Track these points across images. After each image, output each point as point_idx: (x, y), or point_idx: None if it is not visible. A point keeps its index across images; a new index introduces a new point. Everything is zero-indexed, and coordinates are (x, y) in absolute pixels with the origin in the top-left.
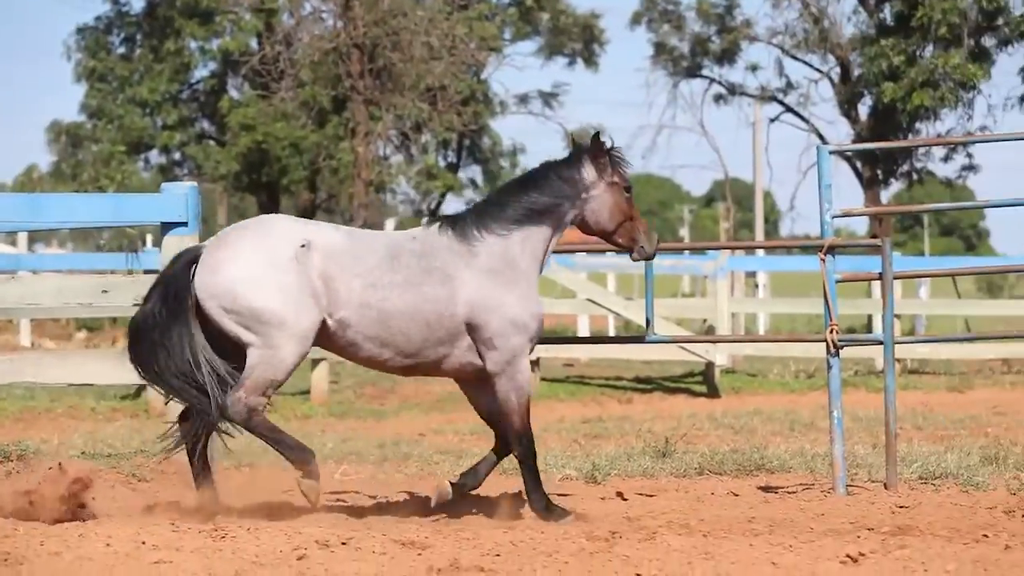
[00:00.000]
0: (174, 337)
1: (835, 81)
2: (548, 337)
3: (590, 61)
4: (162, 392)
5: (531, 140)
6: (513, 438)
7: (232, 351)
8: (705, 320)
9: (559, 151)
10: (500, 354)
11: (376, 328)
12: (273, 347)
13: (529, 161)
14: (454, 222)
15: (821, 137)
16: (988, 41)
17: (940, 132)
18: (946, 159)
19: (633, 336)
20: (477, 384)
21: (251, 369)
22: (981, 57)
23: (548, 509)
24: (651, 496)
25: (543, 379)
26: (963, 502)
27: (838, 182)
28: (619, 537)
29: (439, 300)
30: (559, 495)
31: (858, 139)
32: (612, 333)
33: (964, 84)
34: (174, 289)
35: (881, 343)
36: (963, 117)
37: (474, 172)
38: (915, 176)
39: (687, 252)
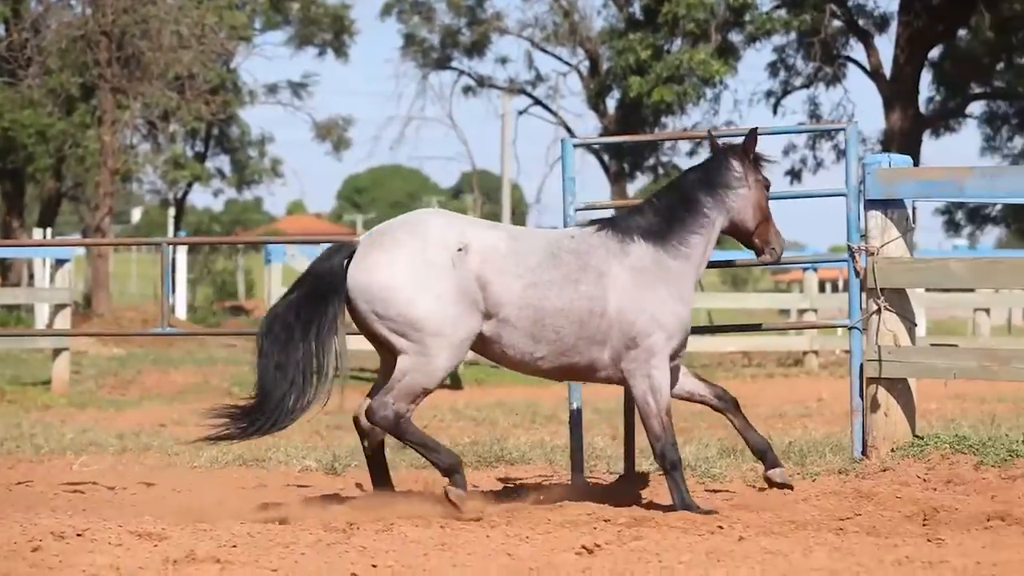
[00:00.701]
0: (313, 329)
1: (584, 75)
2: None
3: (340, 52)
4: (269, 386)
5: (280, 130)
6: (653, 444)
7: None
8: None
9: (307, 141)
10: (639, 352)
11: (532, 326)
12: (428, 355)
13: (277, 151)
14: (612, 223)
15: (569, 130)
16: (735, 37)
17: (687, 126)
18: (692, 153)
19: None
20: None
21: (402, 375)
22: (728, 53)
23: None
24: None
25: None
26: (700, 495)
27: (586, 175)
28: (356, 528)
29: (592, 297)
30: (298, 486)
31: (606, 132)
32: None
33: (708, 80)
34: (328, 281)
35: None
36: (709, 112)
37: (222, 162)
38: (661, 170)
39: None
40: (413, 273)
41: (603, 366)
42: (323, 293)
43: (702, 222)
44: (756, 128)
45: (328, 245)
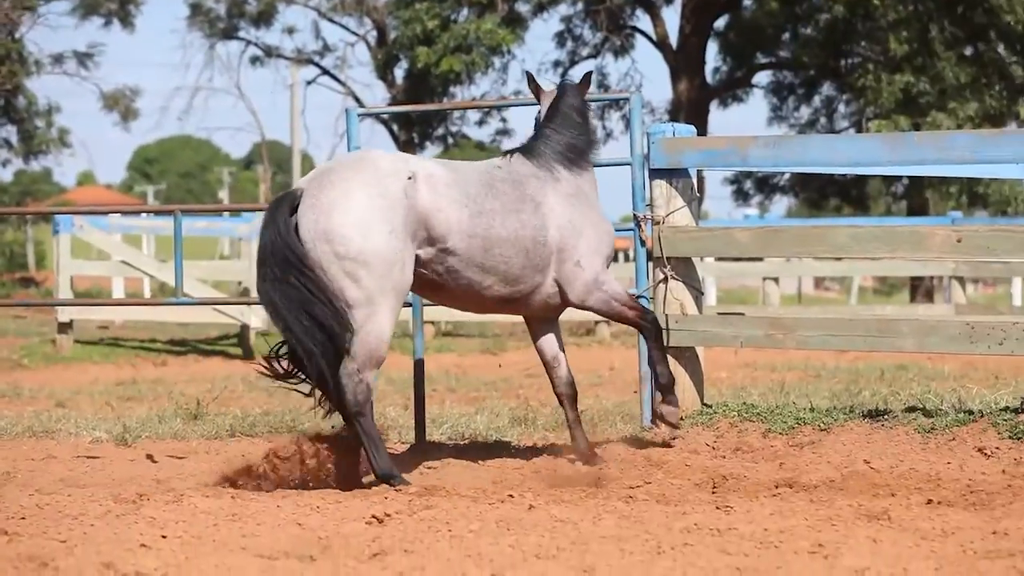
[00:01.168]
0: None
1: (371, 45)
2: (81, 299)
3: (126, 21)
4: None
5: (67, 100)
6: (639, 325)
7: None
8: (240, 283)
9: (95, 112)
10: (588, 273)
11: (481, 255)
12: (375, 305)
13: (65, 121)
14: (531, 151)
15: (358, 100)
16: (522, 7)
17: (475, 96)
18: (480, 123)
19: (164, 300)
20: (546, 321)
21: (358, 335)
22: (515, 23)
23: (670, 385)
24: (181, 458)
25: (76, 341)
26: (492, 463)
27: (376, 145)
28: (146, 499)
29: (535, 226)
30: (89, 458)
31: (394, 102)
32: (148, 295)
33: (496, 49)
34: (282, 243)
35: (410, 305)
36: (497, 82)
37: (9, 132)
38: (451, 140)
39: (226, 214)
40: (371, 205)
41: (547, 293)
42: (292, 264)
43: (593, 143)
44: (591, 71)
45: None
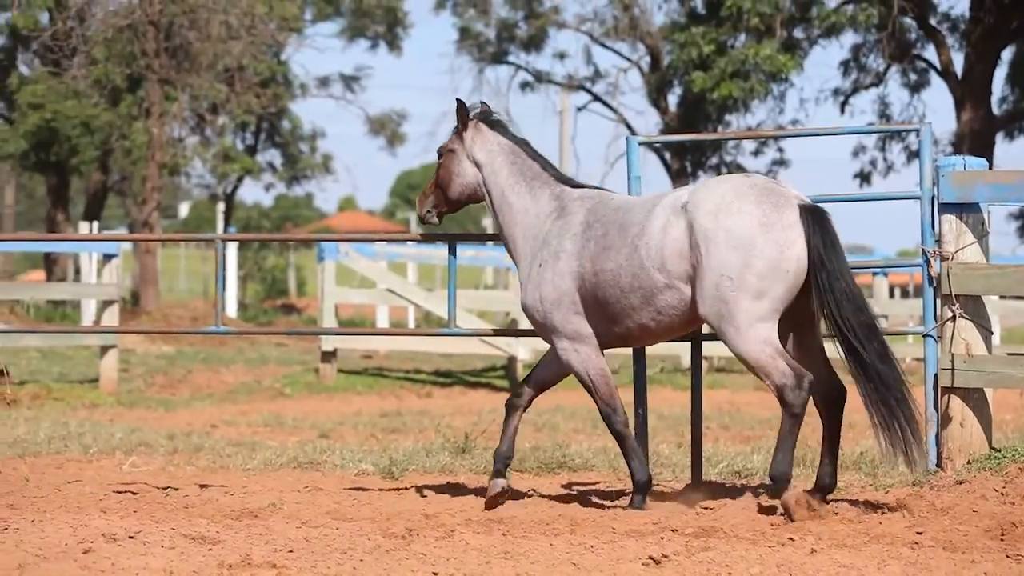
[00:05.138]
0: None
1: (644, 70)
2: (348, 328)
3: (393, 45)
4: None
5: (331, 124)
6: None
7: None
8: (508, 313)
9: (360, 136)
10: None
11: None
12: None
13: (329, 146)
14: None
15: (629, 127)
16: (801, 33)
17: (751, 124)
18: (756, 153)
19: (434, 329)
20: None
21: None
22: (793, 49)
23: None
24: (451, 493)
25: (340, 371)
26: (770, 504)
27: (646, 173)
28: (416, 534)
29: None
30: (355, 489)
31: (667, 129)
32: (412, 325)
33: (775, 76)
34: None
35: (688, 340)
36: (774, 110)
37: (273, 156)
38: (724, 169)
39: (490, 243)
40: None
41: None
42: None
43: None
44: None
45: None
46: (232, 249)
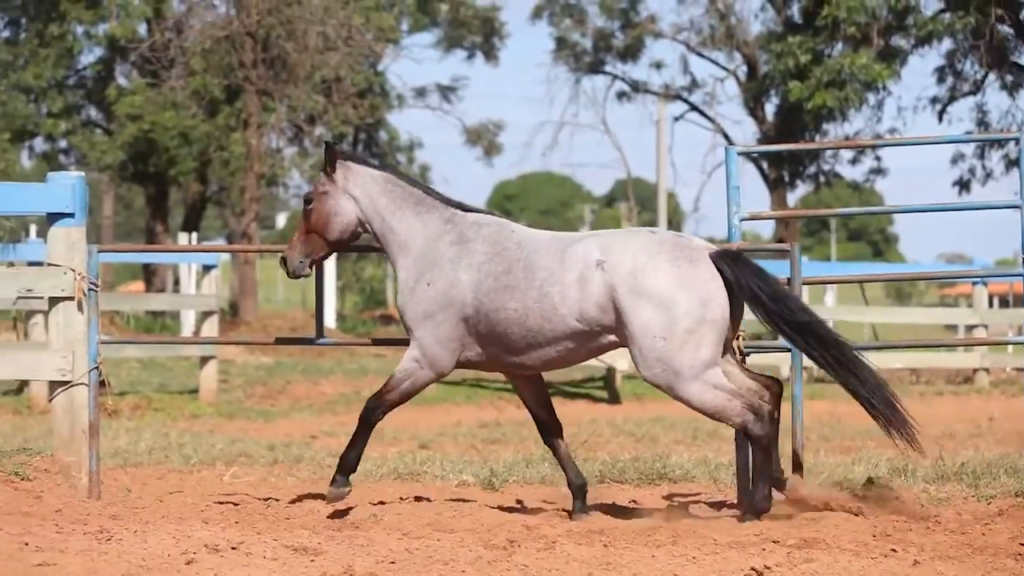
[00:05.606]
0: None
1: (741, 79)
2: None
3: (490, 55)
4: None
5: (429, 135)
6: None
7: None
8: None
9: (457, 146)
10: None
11: None
12: None
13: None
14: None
15: (726, 136)
16: (898, 41)
17: (848, 134)
18: (854, 162)
19: None
20: None
21: None
22: (890, 57)
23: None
24: (552, 504)
25: (443, 382)
26: (871, 515)
27: (742, 183)
28: (517, 546)
29: None
30: (455, 500)
31: (764, 139)
32: None
33: (871, 85)
34: None
35: (788, 351)
36: (872, 119)
37: None
38: (822, 178)
39: None
40: None
41: None
42: None
43: None
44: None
45: None
46: (331, 260)
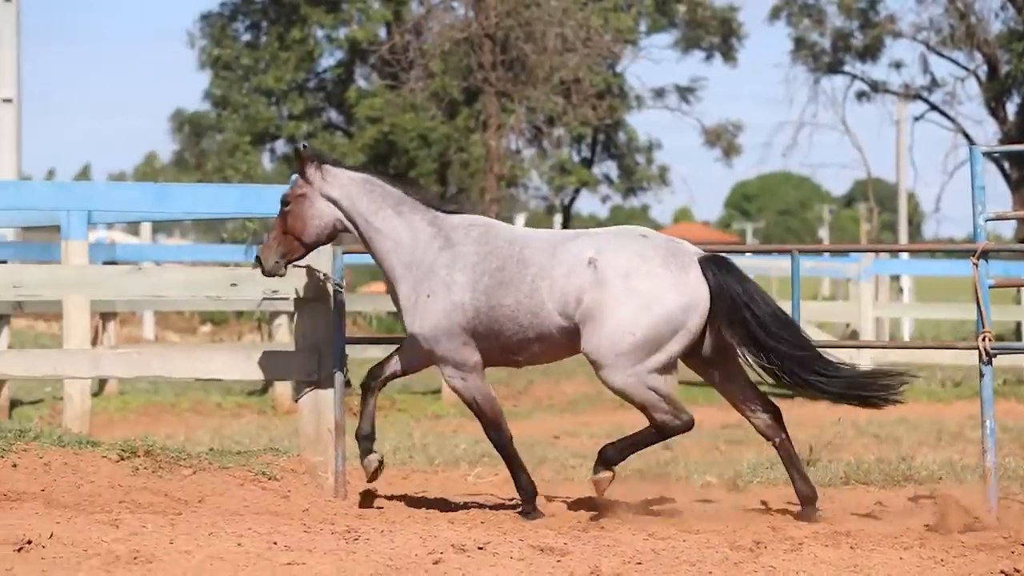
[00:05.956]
0: None
1: (982, 79)
2: None
3: (728, 55)
4: None
5: (667, 135)
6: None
7: None
8: (848, 325)
9: (696, 147)
10: None
11: None
12: None
13: (665, 157)
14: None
15: (967, 137)
16: None
17: None
18: None
19: None
20: None
21: None
22: None
23: None
24: (796, 506)
25: (681, 383)
26: None
27: (984, 183)
28: (764, 547)
29: None
30: (700, 501)
31: (1005, 139)
32: None
33: None
34: None
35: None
36: None
37: (609, 167)
38: None
39: (827, 254)
40: None
41: None
42: None
43: None
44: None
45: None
46: None
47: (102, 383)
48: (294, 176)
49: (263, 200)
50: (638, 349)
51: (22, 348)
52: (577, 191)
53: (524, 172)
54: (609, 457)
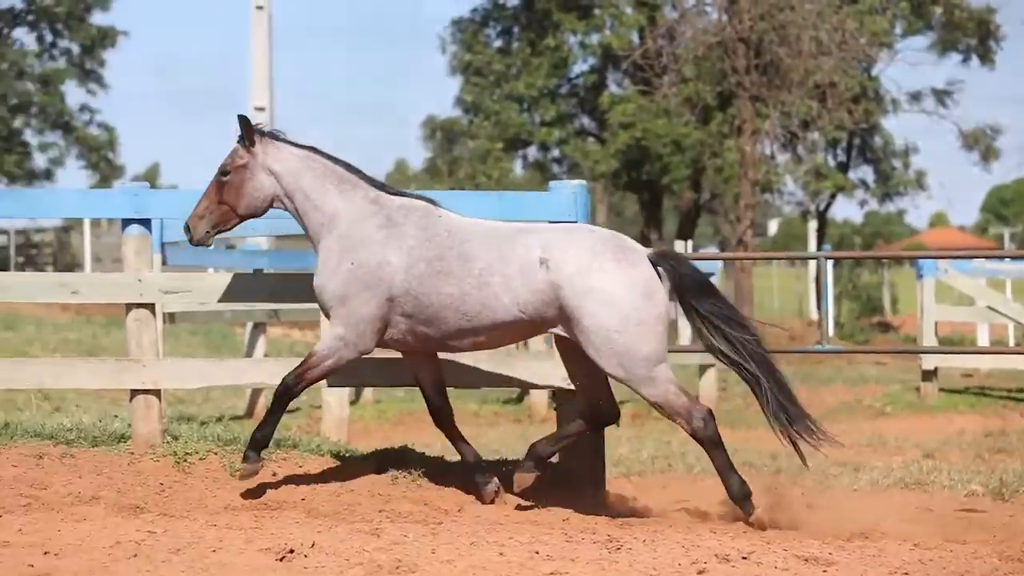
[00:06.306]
0: None
1: None
2: (951, 347)
3: (986, 58)
4: None
5: (924, 139)
6: None
7: None
8: None
9: (953, 151)
10: None
11: None
12: None
13: (922, 161)
14: None
15: None
16: None
17: None
18: None
19: None
20: None
21: None
22: None
23: None
24: None
25: (941, 390)
26: None
27: None
28: None
29: None
30: (965, 511)
31: None
32: (1012, 343)
33: None
34: None
35: None
36: None
37: (865, 172)
38: None
39: None
40: None
41: None
42: None
43: None
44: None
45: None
46: (828, 267)
47: (358, 391)
48: (234, 145)
49: (523, 206)
50: (633, 343)
51: (278, 356)
52: (833, 196)
53: (779, 177)
54: (745, 494)
